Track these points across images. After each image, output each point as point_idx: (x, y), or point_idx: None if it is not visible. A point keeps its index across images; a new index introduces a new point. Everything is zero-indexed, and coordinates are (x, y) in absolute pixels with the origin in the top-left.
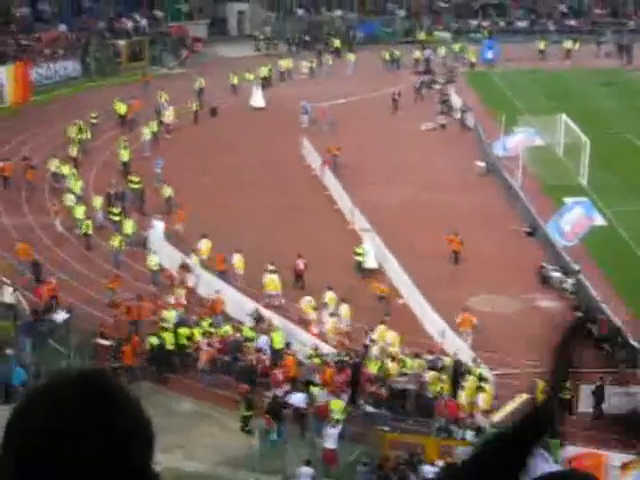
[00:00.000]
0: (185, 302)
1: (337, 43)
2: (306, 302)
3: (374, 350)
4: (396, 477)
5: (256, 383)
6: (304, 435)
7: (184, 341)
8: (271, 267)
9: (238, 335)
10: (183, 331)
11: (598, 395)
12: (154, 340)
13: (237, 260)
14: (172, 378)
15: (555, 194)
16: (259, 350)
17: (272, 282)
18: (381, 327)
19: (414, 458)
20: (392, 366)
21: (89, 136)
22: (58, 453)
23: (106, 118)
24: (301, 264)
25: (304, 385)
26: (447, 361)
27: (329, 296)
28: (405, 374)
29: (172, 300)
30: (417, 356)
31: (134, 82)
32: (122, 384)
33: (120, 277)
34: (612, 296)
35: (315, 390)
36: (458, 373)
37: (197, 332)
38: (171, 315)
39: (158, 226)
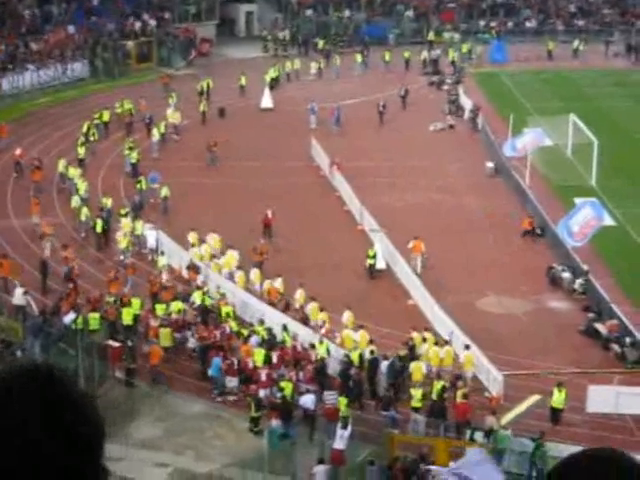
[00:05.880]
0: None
1: (321, 44)
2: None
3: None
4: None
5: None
6: (313, 436)
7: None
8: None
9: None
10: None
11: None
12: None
13: (254, 274)
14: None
15: (564, 195)
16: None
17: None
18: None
19: (425, 459)
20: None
21: (96, 137)
22: None
23: (113, 119)
24: (270, 214)
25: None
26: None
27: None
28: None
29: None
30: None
31: (143, 83)
32: (69, 379)
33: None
34: (621, 296)
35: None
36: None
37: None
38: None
39: (150, 236)
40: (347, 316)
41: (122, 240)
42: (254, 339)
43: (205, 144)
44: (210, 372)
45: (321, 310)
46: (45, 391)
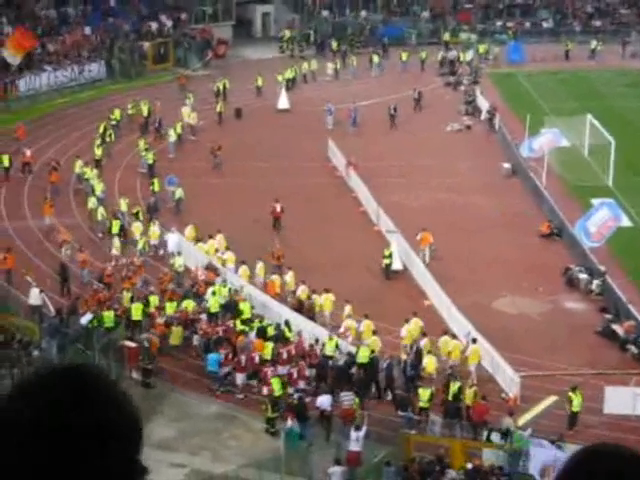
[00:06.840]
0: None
1: (336, 45)
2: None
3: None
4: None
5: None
6: (329, 437)
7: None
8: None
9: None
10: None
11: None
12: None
13: (259, 269)
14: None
15: (581, 195)
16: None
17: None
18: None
19: (442, 461)
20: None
21: (112, 138)
22: (38, 449)
23: (128, 120)
24: (278, 207)
25: None
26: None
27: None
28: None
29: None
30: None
31: (159, 84)
32: (109, 378)
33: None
34: (638, 297)
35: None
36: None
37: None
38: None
39: (172, 239)
40: (347, 309)
41: (140, 241)
42: (253, 334)
43: (209, 148)
44: (208, 368)
45: (326, 292)
46: (83, 389)
